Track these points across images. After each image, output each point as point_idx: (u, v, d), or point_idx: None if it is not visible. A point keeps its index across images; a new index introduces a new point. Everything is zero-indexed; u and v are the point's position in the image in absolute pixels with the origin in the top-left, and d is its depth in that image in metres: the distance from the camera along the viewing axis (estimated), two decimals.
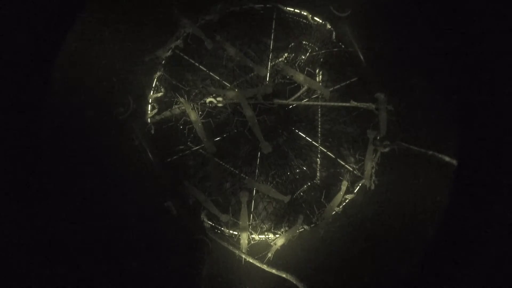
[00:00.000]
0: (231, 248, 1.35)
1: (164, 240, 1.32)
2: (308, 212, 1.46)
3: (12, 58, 0.99)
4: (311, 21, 1.51)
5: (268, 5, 1.50)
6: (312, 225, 1.45)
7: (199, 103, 1.40)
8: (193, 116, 1.36)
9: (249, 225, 1.41)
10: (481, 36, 1.05)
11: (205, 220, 1.42)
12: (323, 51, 1.50)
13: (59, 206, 1.06)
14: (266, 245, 1.40)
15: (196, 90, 1.45)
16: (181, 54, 1.47)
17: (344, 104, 1.45)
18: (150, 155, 1.40)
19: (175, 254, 1.31)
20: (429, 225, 1.12)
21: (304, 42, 1.52)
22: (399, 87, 1.40)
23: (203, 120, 1.38)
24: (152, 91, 1.47)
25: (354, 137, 1.49)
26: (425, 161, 1.26)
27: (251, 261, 1.33)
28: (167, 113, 1.43)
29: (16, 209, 0.97)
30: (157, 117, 1.44)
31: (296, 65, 1.47)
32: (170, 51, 1.47)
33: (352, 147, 1.48)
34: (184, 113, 1.43)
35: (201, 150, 1.47)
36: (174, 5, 1.38)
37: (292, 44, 1.51)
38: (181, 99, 1.36)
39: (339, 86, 1.50)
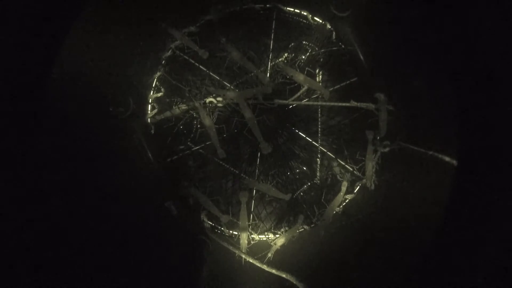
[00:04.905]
0: (231, 248, 1.35)
1: (164, 240, 1.32)
2: (308, 212, 1.46)
3: (12, 58, 0.99)
4: (311, 21, 1.51)
5: (268, 5, 1.50)
6: (312, 225, 1.45)
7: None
8: (207, 121, 1.36)
9: (249, 225, 1.40)
10: (481, 36, 1.05)
11: (205, 220, 1.42)
12: (323, 51, 1.50)
13: (59, 206, 1.06)
14: (266, 245, 1.40)
15: (196, 90, 1.45)
16: (181, 54, 1.47)
17: (344, 104, 1.45)
18: (150, 155, 1.40)
19: (175, 254, 1.31)
20: (429, 225, 1.12)
21: (304, 42, 1.52)
22: (399, 87, 1.40)
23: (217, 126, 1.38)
24: (152, 91, 1.47)
25: (354, 137, 1.49)
26: (425, 161, 1.26)
27: (251, 261, 1.33)
28: (167, 113, 1.43)
29: (15, 209, 0.97)
30: (157, 117, 1.44)
31: (296, 65, 1.47)
32: (170, 51, 1.47)
33: (352, 147, 1.47)
34: (185, 113, 1.43)
35: (201, 150, 1.47)
36: (162, 20, 1.39)
37: (292, 44, 1.51)
38: (196, 104, 1.36)
39: (339, 86, 1.50)
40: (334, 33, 1.50)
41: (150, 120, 1.44)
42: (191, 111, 1.42)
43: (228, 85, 1.47)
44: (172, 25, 1.42)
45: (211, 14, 1.45)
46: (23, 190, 1.00)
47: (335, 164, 1.49)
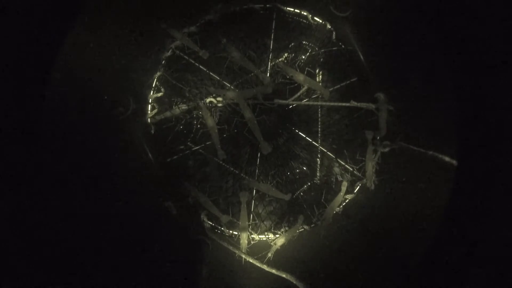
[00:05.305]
0: (231, 248, 1.35)
1: (164, 240, 1.32)
2: (308, 212, 1.46)
3: (12, 58, 0.99)
4: (311, 21, 1.51)
5: (268, 5, 1.50)
6: (312, 225, 1.45)
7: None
8: (210, 122, 1.36)
9: (249, 225, 1.40)
10: (481, 36, 1.05)
11: (205, 220, 1.42)
12: (323, 51, 1.50)
13: (58, 206, 1.06)
14: (266, 245, 1.40)
15: (196, 90, 1.45)
16: (181, 54, 1.47)
17: (344, 104, 1.45)
18: (150, 155, 1.40)
19: (175, 254, 1.31)
20: (429, 225, 1.12)
21: (304, 42, 1.52)
22: (399, 87, 1.40)
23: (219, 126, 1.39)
24: (152, 91, 1.47)
25: (354, 137, 1.49)
26: (425, 161, 1.26)
27: (251, 261, 1.33)
28: (167, 113, 1.43)
29: (14, 209, 0.97)
30: (157, 117, 1.44)
31: (296, 65, 1.47)
32: (170, 51, 1.47)
33: (352, 147, 1.47)
34: (185, 113, 1.43)
35: (201, 150, 1.47)
36: (162, 20, 1.38)
37: (292, 44, 1.51)
38: (201, 104, 1.36)
39: (339, 86, 1.50)
40: (334, 33, 1.50)
41: (150, 120, 1.44)
42: (193, 111, 1.42)
43: (228, 85, 1.47)
44: (172, 25, 1.42)
45: (211, 14, 1.45)
46: (22, 190, 1.00)
47: (335, 164, 1.49)
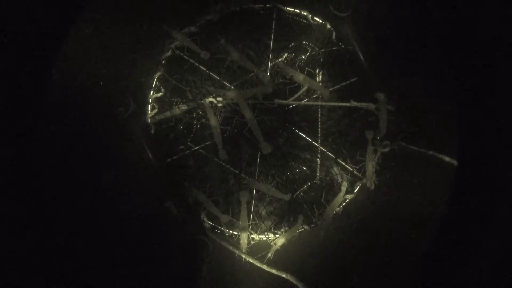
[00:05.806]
0: (231, 248, 1.35)
1: (164, 240, 1.32)
2: (308, 212, 1.46)
3: (13, 58, 0.99)
4: (311, 21, 1.51)
5: (268, 5, 1.50)
6: (312, 225, 1.45)
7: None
8: (213, 121, 1.36)
9: (249, 225, 1.40)
10: (481, 37, 1.05)
11: (205, 220, 1.42)
12: (323, 51, 1.50)
13: (58, 206, 1.06)
14: (266, 245, 1.40)
15: (196, 90, 1.45)
16: (181, 54, 1.47)
17: (344, 104, 1.45)
18: (150, 155, 1.40)
19: (175, 254, 1.31)
20: (429, 225, 1.13)
21: (304, 42, 1.52)
22: (399, 87, 1.41)
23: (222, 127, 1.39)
24: (152, 91, 1.47)
25: (354, 137, 1.49)
26: (425, 161, 1.26)
27: (251, 261, 1.33)
28: (167, 113, 1.43)
29: (14, 209, 0.97)
30: (157, 117, 1.44)
31: (296, 65, 1.47)
32: (170, 51, 1.47)
33: (352, 147, 1.48)
34: (185, 113, 1.43)
35: (201, 150, 1.47)
36: (162, 20, 1.38)
37: (292, 44, 1.51)
38: (205, 103, 1.36)
39: (339, 86, 1.50)
40: (334, 33, 1.50)
41: (150, 120, 1.44)
42: (193, 111, 1.42)
43: (228, 85, 1.47)
44: (172, 25, 1.42)
45: (211, 14, 1.45)
46: (22, 190, 1.00)
47: (335, 164, 1.49)
